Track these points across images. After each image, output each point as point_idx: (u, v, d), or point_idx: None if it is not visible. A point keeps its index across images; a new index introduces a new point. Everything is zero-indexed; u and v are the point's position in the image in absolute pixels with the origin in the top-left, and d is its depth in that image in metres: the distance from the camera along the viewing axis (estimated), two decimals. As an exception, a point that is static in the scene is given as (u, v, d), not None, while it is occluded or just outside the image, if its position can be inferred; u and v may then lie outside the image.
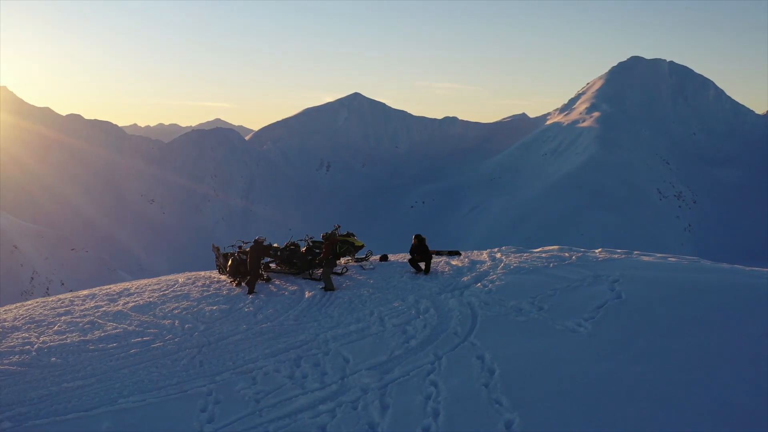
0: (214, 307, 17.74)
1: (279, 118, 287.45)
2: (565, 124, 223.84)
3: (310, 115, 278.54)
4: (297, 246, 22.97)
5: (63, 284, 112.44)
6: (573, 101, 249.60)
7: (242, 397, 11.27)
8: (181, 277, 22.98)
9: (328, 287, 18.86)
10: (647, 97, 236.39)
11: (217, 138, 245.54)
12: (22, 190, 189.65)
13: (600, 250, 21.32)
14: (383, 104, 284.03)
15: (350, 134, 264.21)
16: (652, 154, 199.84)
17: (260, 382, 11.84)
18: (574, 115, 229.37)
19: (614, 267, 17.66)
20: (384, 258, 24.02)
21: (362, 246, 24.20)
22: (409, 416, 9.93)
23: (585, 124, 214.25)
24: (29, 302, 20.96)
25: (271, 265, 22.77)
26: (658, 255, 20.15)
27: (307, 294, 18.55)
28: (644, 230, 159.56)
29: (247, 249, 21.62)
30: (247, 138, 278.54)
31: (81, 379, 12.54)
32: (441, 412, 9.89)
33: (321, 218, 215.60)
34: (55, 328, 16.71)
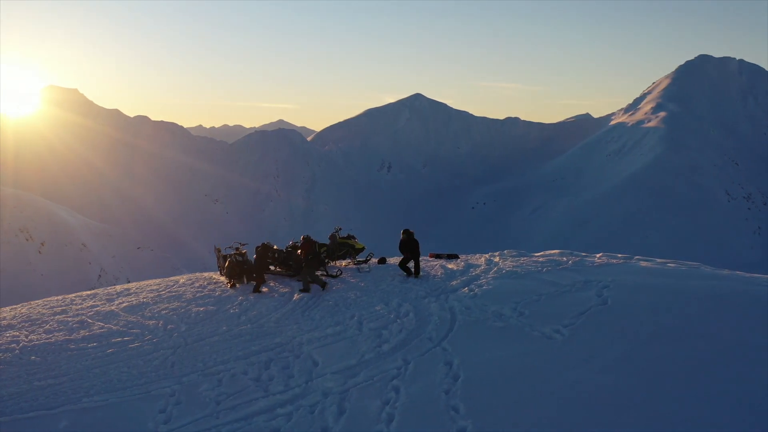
0: (202, 309, 17.86)
1: (341, 119, 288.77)
2: (629, 125, 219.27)
3: (371, 115, 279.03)
4: (296, 247, 22.76)
5: (129, 282, 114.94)
6: (638, 101, 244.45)
7: (204, 398, 11.32)
8: (183, 278, 23.31)
9: (305, 289, 18.97)
10: (716, 97, 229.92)
11: (280, 139, 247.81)
12: (90, 190, 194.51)
13: (600, 254, 21.14)
14: (444, 105, 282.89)
15: (411, 135, 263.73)
16: (720, 155, 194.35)
17: (225, 384, 11.89)
18: (639, 115, 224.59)
19: (608, 272, 17.47)
20: (382, 261, 24.00)
21: (363, 248, 24.16)
22: (362, 421, 9.93)
23: (650, 124, 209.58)
24: (36, 301, 21.40)
25: (270, 267, 22.68)
26: (659, 260, 19.76)
27: (295, 296, 18.60)
28: (712, 233, 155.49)
29: (245, 251, 21.86)
30: (309, 139, 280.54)
31: (53, 378, 12.75)
32: (396, 418, 9.88)
33: (382, 219, 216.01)
34: (47, 327, 17.03)
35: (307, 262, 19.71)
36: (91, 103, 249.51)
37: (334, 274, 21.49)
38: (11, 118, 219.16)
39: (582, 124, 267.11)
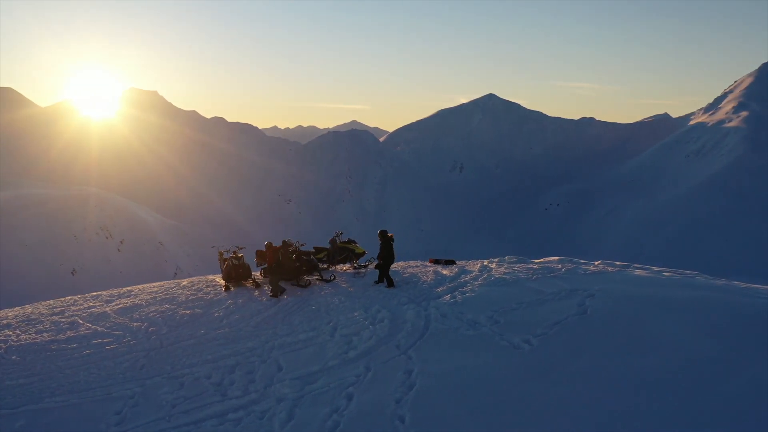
0: (188, 312, 17.99)
1: (413, 120, 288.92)
2: (710, 125, 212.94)
3: (443, 116, 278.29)
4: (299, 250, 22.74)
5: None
6: (719, 100, 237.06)
7: (161, 401, 11.43)
8: (185, 281, 23.42)
9: (274, 293, 19.03)
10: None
11: (352, 139, 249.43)
12: (167, 189, 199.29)
13: (599, 262, 20.75)
14: (518, 105, 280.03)
15: (484, 135, 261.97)
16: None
17: (186, 388, 12.00)
18: (719, 115, 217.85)
19: (597, 281, 17.13)
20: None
21: (363, 253, 24.06)
22: (308, 428, 9.97)
23: (732, 124, 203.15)
24: (46, 302, 21.79)
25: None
26: (656, 268, 19.32)
27: (284, 300, 18.64)
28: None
29: (241, 254, 21.88)
30: (381, 139, 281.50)
31: (25, 378, 13.02)
32: (340, 426, 9.90)
33: (454, 219, 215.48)
34: (39, 327, 17.39)
35: (269, 270, 19.85)
36: (170, 105, 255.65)
37: (328, 278, 21.41)
38: (95, 120, 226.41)
39: (660, 124, 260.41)
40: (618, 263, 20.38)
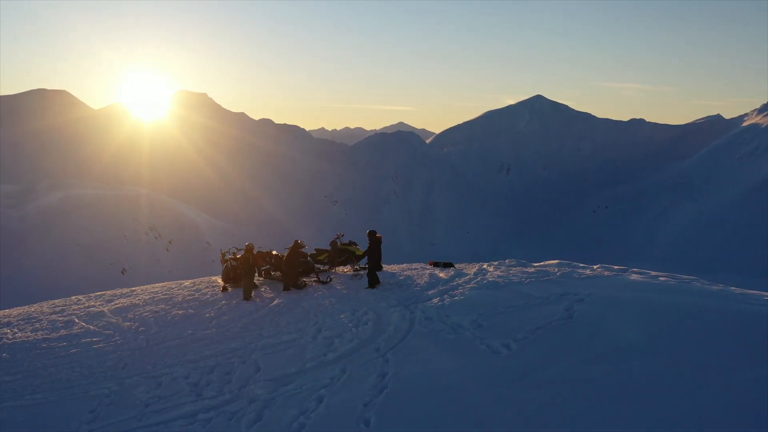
0: (181, 312, 18.17)
1: (460, 121, 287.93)
2: (763, 126, 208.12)
3: (491, 117, 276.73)
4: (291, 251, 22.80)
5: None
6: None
7: (136, 400, 11.56)
8: (187, 282, 23.63)
9: (246, 296, 19.30)
10: None
11: (399, 141, 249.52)
12: (215, 190, 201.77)
13: (597, 266, 20.51)
14: (566, 106, 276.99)
15: (531, 137, 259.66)
16: None
17: (162, 387, 12.10)
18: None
19: (589, 285, 16.89)
20: (378, 268, 23.48)
21: (364, 255, 23.72)
22: (273, 430, 9.99)
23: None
24: (50, 301, 22.19)
25: (272, 272, 22.84)
26: (653, 273, 19.00)
27: (276, 301, 18.73)
28: None
29: (239, 256, 21.92)
30: (428, 141, 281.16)
31: (10, 375, 13.27)
32: (305, 428, 9.90)
33: (500, 221, 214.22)
34: (37, 325, 17.74)
35: (245, 272, 20.06)
36: (218, 107, 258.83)
37: (325, 280, 21.54)
38: (146, 122, 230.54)
39: (712, 125, 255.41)
40: (616, 267, 20.12)
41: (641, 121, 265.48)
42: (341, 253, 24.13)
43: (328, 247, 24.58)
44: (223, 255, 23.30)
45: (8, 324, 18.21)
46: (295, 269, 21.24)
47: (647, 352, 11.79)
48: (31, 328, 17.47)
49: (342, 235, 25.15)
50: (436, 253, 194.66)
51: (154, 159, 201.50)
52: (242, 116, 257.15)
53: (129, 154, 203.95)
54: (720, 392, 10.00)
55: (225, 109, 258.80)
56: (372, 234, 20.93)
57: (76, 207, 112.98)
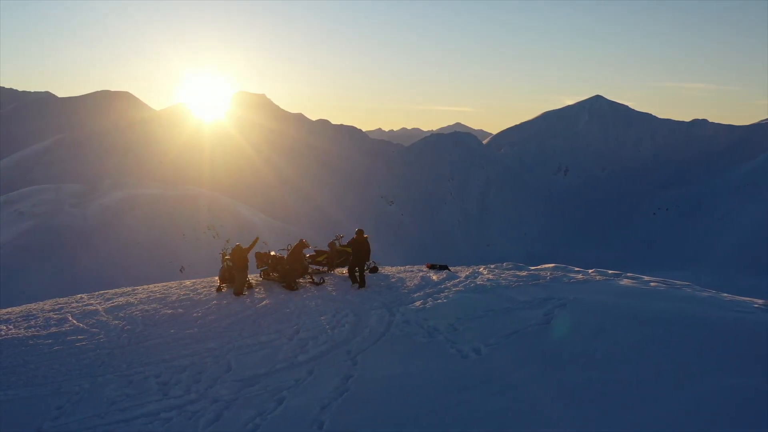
0: (170, 311, 18.28)
1: (517, 122, 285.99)
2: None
3: (548, 118, 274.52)
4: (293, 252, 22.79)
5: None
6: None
7: (103, 398, 11.67)
8: (189, 282, 23.81)
9: (237, 292, 19.91)
10: None
11: (455, 142, 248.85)
12: (273, 189, 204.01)
13: (593, 271, 20.21)
14: (626, 107, 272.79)
15: (590, 138, 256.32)
16: None
17: (132, 386, 12.20)
18: None
19: (576, 290, 16.69)
20: (374, 270, 23.67)
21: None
22: (228, 430, 10.04)
23: None
24: (54, 299, 22.51)
25: (272, 273, 22.81)
26: (646, 278, 18.53)
27: (264, 302, 18.78)
28: None
29: (227, 257, 22.06)
30: (484, 142, 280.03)
31: None
32: (259, 429, 9.93)
33: (557, 223, 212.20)
34: (32, 322, 17.99)
35: (237, 267, 20.46)
36: (277, 107, 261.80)
37: (318, 281, 21.63)
38: (206, 123, 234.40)
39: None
40: (610, 272, 19.83)
41: (704, 121, 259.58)
42: (340, 255, 24.17)
43: (327, 249, 24.63)
44: (223, 255, 23.42)
45: (7, 321, 18.55)
46: (298, 268, 21.45)
47: (617, 358, 11.60)
48: (26, 324, 17.78)
49: (341, 237, 25.25)
50: (492, 255, 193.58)
51: (214, 159, 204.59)
52: (300, 117, 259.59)
53: (190, 154, 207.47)
54: (684, 401, 9.75)
55: (283, 110, 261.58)
56: (359, 233, 21.26)
57: (136, 206, 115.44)
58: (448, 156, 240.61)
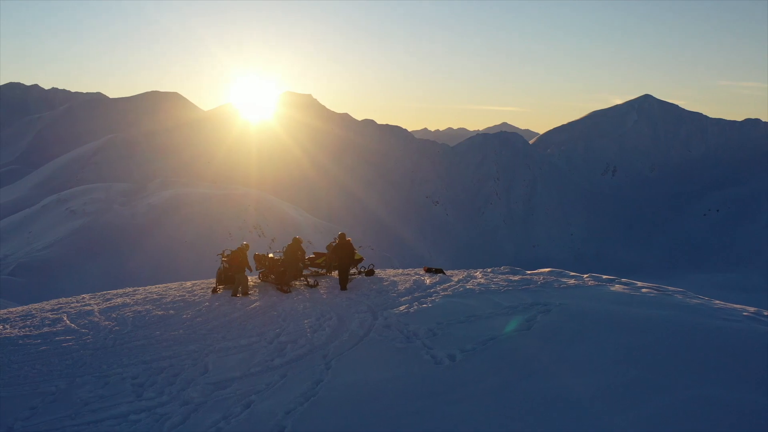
0: (161, 312, 18.34)
1: (565, 122, 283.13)
2: None
3: (596, 118, 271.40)
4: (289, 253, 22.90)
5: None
6: None
7: (77, 399, 11.74)
8: (188, 283, 23.93)
9: (234, 293, 20.26)
10: None
11: (501, 142, 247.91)
12: (318, 189, 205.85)
13: (587, 276, 19.81)
14: (676, 106, 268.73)
15: (639, 138, 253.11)
16: None
17: (108, 387, 12.27)
18: None
19: (564, 296, 16.42)
20: (370, 273, 23.56)
21: (361, 260, 23.71)
22: None
23: None
24: (56, 300, 22.77)
25: (270, 276, 22.89)
26: (639, 284, 18.16)
27: (254, 304, 18.76)
28: None
29: (227, 257, 22.06)
30: (531, 142, 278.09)
31: None
32: None
33: (604, 224, 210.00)
34: (29, 322, 18.20)
35: (235, 269, 20.64)
36: (323, 107, 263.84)
37: (312, 284, 21.62)
38: (253, 123, 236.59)
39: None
40: (605, 277, 19.51)
41: (757, 121, 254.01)
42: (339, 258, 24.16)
43: (326, 251, 24.59)
44: (223, 255, 23.38)
45: (6, 320, 18.80)
46: (292, 270, 21.61)
47: (592, 366, 11.36)
48: (21, 324, 18.00)
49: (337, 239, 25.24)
50: (537, 256, 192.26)
51: (261, 159, 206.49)
52: (346, 117, 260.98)
53: (237, 154, 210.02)
54: (651, 413, 9.48)
55: (329, 110, 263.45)
56: (341, 237, 21.69)
57: (183, 205, 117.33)
58: (494, 156, 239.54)
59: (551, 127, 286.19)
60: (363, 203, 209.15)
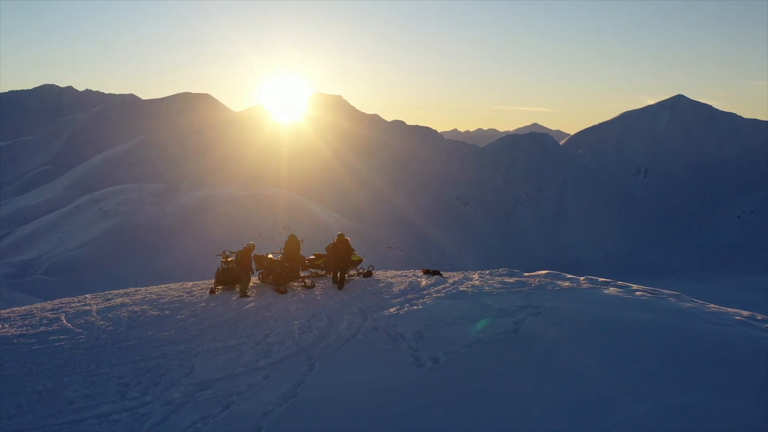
0: (156, 313, 18.35)
1: (596, 122, 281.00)
2: None
3: (627, 118, 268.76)
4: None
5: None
6: None
7: (63, 398, 11.81)
8: (189, 284, 23.82)
9: (243, 294, 20.09)
10: None
11: (531, 142, 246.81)
12: (347, 189, 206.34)
13: (583, 278, 19.51)
14: (709, 106, 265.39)
15: (671, 139, 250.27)
16: None
17: (94, 386, 12.32)
18: None
19: (556, 299, 16.26)
20: (368, 274, 23.34)
21: (361, 261, 23.57)
22: None
23: None
24: (62, 299, 22.85)
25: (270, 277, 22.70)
26: (634, 287, 17.82)
27: (249, 306, 18.69)
28: None
29: (231, 258, 22.10)
30: (561, 142, 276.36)
31: None
32: None
33: (636, 226, 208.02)
34: (28, 321, 18.26)
35: (241, 270, 20.76)
36: (353, 108, 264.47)
37: (309, 285, 21.52)
38: (284, 124, 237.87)
39: None
40: (601, 279, 19.25)
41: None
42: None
43: (325, 252, 24.32)
44: (224, 254, 23.31)
45: (7, 319, 18.93)
46: (289, 271, 21.62)
47: (575, 370, 11.20)
48: (20, 323, 18.11)
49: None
50: (568, 258, 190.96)
51: (291, 160, 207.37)
52: (376, 118, 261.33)
53: (268, 155, 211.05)
54: (625, 419, 9.31)
55: (359, 111, 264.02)
56: (339, 237, 21.83)
57: (214, 205, 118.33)
58: (524, 157, 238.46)
59: (582, 128, 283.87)
60: (392, 204, 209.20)
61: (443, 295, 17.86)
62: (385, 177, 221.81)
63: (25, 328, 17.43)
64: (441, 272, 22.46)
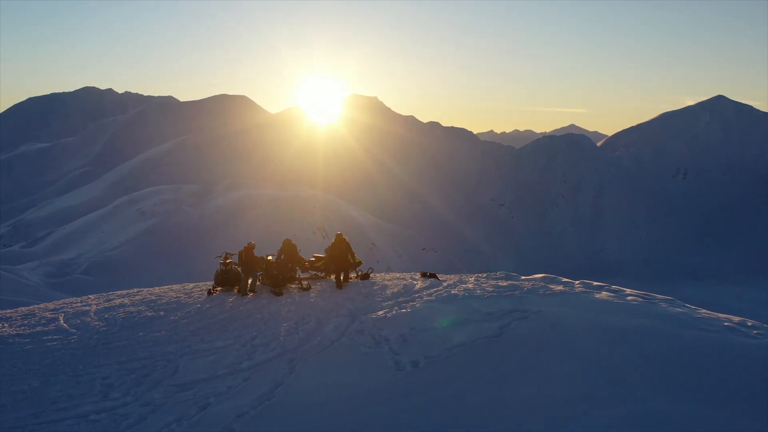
0: (151, 314, 18.43)
1: (634, 123, 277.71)
2: None
3: (666, 119, 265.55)
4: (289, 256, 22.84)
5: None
6: None
7: (46, 398, 11.91)
8: (191, 284, 23.97)
9: (244, 292, 20.38)
10: None
11: (568, 144, 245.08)
12: (382, 191, 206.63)
13: (578, 282, 19.23)
14: (750, 107, 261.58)
15: (711, 140, 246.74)
16: None
17: (78, 386, 12.41)
18: None
19: (545, 303, 16.08)
20: (365, 276, 23.19)
21: (360, 263, 23.37)
22: None
23: None
24: (65, 299, 23.09)
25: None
26: (627, 291, 17.56)
27: (243, 307, 18.71)
28: None
29: (230, 260, 22.18)
30: (599, 144, 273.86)
31: None
32: None
33: (675, 228, 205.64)
34: (27, 321, 18.45)
35: (244, 270, 20.97)
36: (388, 110, 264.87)
37: (305, 287, 21.45)
38: (320, 125, 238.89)
39: None
40: (595, 283, 18.98)
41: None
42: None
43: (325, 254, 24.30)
44: (224, 255, 23.27)
45: (8, 319, 19.13)
46: (285, 272, 21.65)
47: (552, 376, 11.07)
48: (19, 323, 18.29)
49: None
50: (605, 260, 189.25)
51: (328, 161, 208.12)
52: (411, 119, 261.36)
53: (304, 157, 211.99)
54: (586, 426, 9.15)
55: (395, 112, 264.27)
56: (337, 236, 22.06)
57: (250, 207, 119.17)
58: (561, 158, 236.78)
59: (620, 129, 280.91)
60: (427, 205, 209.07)
61: (434, 298, 17.77)
62: (420, 178, 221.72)
63: (23, 327, 17.66)
64: (437, 275, 22.38)
